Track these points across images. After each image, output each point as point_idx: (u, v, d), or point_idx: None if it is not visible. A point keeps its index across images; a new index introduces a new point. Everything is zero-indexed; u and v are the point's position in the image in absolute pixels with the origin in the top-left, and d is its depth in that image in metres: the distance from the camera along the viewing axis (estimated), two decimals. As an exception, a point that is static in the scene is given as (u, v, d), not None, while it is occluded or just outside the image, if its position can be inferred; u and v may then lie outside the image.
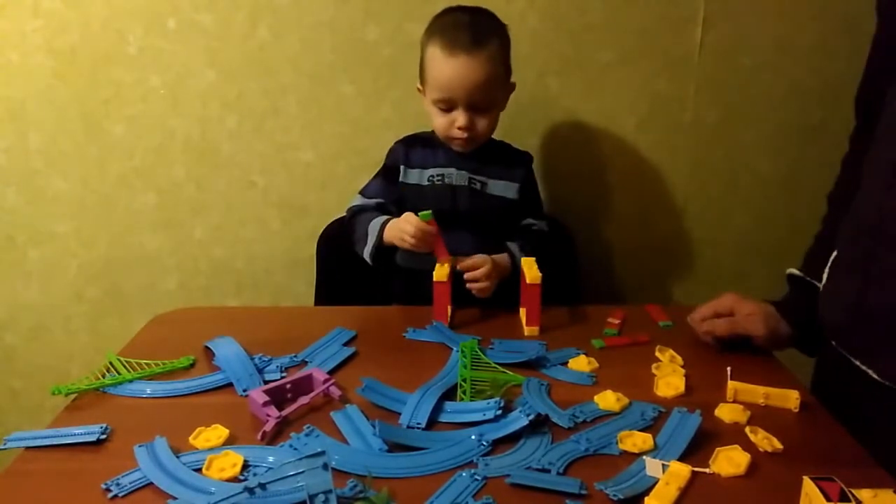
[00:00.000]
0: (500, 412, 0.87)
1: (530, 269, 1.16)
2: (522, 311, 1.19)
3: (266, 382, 0.96)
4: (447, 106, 1.28)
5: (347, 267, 1.48)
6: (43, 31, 1.53)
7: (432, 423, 0.88)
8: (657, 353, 1.06)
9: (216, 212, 1.67)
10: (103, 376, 0.98)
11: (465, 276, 1.23)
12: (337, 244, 1.50)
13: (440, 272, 1.18)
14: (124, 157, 1.62)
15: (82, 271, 1.71)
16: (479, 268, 1.23)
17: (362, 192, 1.40)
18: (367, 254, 1.29)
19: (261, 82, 1.58)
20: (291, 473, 0.68)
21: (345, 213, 1.41)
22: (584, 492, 0.74)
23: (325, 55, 1.56)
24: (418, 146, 1.38)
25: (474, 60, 1.23)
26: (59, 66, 1.55)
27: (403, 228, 1.22)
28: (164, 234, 1.68)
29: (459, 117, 1.27)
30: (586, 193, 1.56)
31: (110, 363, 1.01)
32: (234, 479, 0.76)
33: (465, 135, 1.29)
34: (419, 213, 1.20)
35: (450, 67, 1.24)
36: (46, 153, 1.61)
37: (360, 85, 1.58)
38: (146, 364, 1.01)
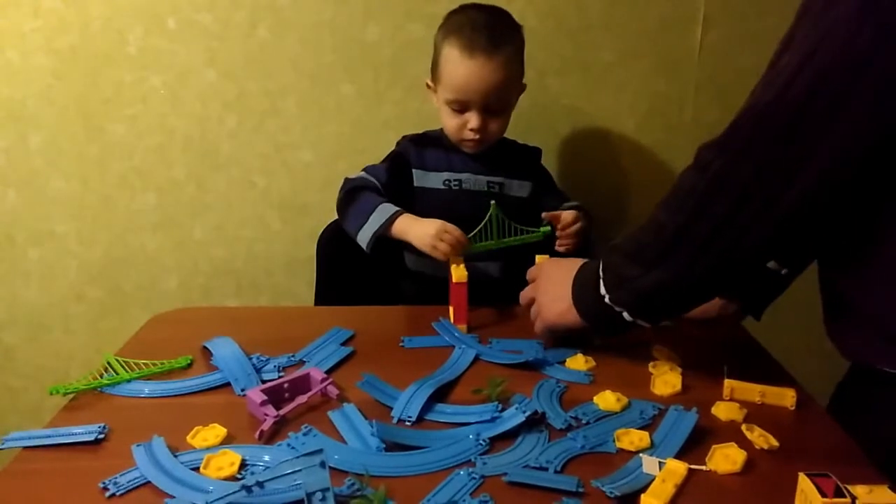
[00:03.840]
0: (497, 415, 0.87)
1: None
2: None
3: (264, 382, 0.96)
4: (460, 107, 1.26)
5: (347, 267, 1.48)
6: (43, 31, 1.53)
7: (425, 420, 0.88)
8: (654, 352, 1.05)
9: (216, 212, 1.67)
10: (101, 376, 0.98)
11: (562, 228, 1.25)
12: (337, 244, 1.50)
13: (459, 273, 1.14)
14: (124, 157, 1.63)
15: (82, 271, 1.71)
16: (574, 224, 1.25)
17: (366, 171, 1.34)
18: (365, 236, 1.23)
19: (261, 82, 1.58)
20: (289, 472, 0.68)
21: (347, 180, 1.33)
22: (581, 489, 0.74)
23: (325, 55, 1.56)
24: (430, 147, 1.36)
25: (492, 63, 1.22)
26: (59, 66, 1.56)
27: (440, 236, 1.17)
28: (164, 234, 1.69)
29: (472, 119, 1.26)
30: (585, 194, 1.56)
31: (108, 363, 1.01)
32: (232, 478, 0.76)
33: (478, 136, 1.28)
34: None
35: (466, 69, 1.22)
36: (46, 153, 1.62)
37: (360, 85, 1.59)
38: (144, 364, 1.01)
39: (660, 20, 1.56)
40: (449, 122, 1.29)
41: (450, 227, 1.18)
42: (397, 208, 1.24)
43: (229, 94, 1.59)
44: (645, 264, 0.90)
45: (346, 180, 1.33)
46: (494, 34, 1.23)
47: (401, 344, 1.10)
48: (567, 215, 1.26)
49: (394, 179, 1.34)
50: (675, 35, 1.57)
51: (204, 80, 1.58)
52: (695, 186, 0.85)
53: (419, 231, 1.19)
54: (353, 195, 1.29)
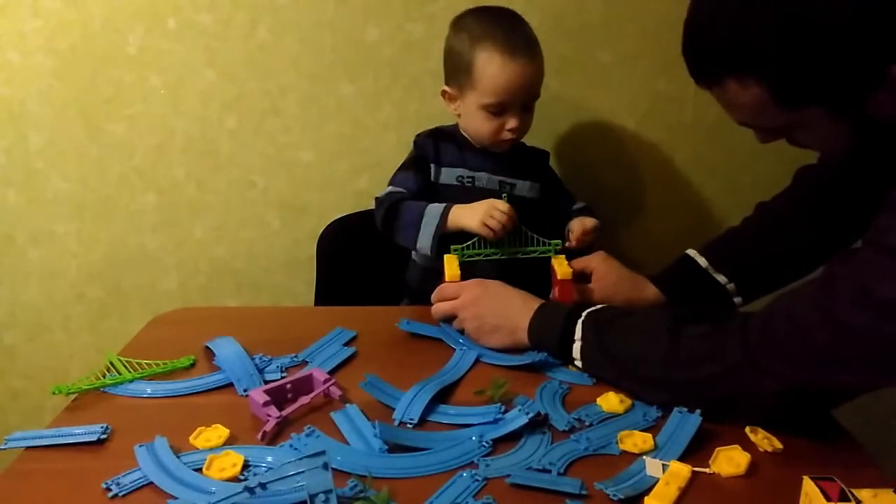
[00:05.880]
0: (500, 416, 0.87)
1: (561, 266, 1.16)
2: None
3: (266, 382, 0.96)
4: (499, 110, 1.26)
5: (347, 267, 1.48)
6: (43, 31, 1.53)
7: (427, 421, 0.89)
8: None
9: (216, 212, 1.67)
10: (104, 376, 0.98)
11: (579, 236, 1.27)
12: (337, 244, 1.50)
13: (452, 271, 1.16)
14: (124, 157, 1.62)
15: (82, 271, 1.71)
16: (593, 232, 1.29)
17: (392, 183, 1.33)
18: (425, 241, 1.23)
19: (261, 82, 1.58)
20: (292, 473, 0.68)
21: (380, 200, 1.31)
22: (584, 492, 0.75)
23: (325, 55, 1.56)
24: (445, 143, 1.36)
25: (533, 62, 1.24)
26: (59, 66, 1.55)
27: (493, 210, 1.19)
28: (164, 234, 1.68)
29: (511, 120, 1.26)
30: (585, 194, 1.56)
31: (111, 363, 1.01)
32: (235, 479, 0.76)
33: (515, 136, 1.28)
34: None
35: (511, 71, 1.22)
36: (46, 153, 1.61)
37: (360, 85, 1.58)
38: (147, 364, 1.01)
39: (660, 20, 1.55)
40: (484, 126, 1.28)
41: (498, 203, 1.20)
42: (444, 204, 1.25)
43: (229, 94, 1.58)
44: (628, 374, 0.94)
45: (379, 200, 1.31)
46: (524, 33, 1.25)
47: (397, 324, 1.14)
48: (588, 222, 1.29)
49: (420, 183, 1.33)
50: (675, 35, 1.54)
51: (204, 80, 1.57)
52: (709, 359, 0.86)
53: (470, 215, 1.21)
54: (394, 210, 1.28)
